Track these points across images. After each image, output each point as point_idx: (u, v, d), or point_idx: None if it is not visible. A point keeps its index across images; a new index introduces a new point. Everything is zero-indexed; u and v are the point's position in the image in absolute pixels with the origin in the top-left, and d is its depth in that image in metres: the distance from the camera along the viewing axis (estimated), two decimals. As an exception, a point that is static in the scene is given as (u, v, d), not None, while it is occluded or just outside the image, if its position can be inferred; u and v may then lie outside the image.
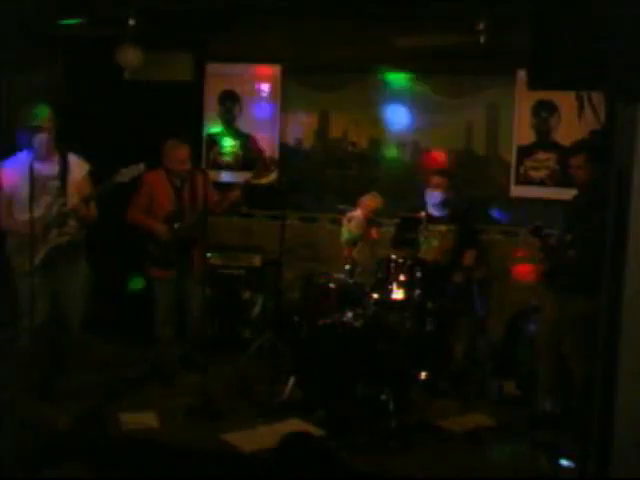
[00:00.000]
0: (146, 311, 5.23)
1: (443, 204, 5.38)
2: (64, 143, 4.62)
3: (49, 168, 4.50)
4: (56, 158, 4.55)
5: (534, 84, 2.52)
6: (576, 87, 2.65)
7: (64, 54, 6.13)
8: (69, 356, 4.77)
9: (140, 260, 5.10)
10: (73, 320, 4.68)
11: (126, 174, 4.41)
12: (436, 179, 5.39)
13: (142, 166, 4.45)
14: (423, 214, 5.17)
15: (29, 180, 4.18)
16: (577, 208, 4.52)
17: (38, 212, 4.33)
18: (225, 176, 6.23)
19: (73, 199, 4.50)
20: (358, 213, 5.28)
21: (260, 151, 6.22)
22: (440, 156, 5.46)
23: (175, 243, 4.93)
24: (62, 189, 4.50)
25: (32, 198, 4.19)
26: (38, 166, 4.33)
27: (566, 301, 4.39)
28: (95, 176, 4.68)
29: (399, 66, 5.92)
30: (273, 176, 5.19)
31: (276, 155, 6.13)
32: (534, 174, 5.79)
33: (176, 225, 4.93)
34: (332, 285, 4.98)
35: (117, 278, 5.94)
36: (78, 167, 4.63)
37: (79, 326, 4.72)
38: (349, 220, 5.29)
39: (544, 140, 5.75)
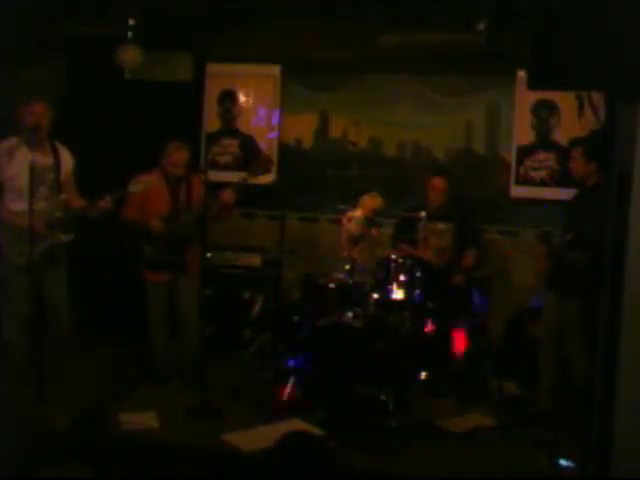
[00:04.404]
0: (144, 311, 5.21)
1: (443, 203, 5.38)
2: (56, 136, 4.49)
3: (44, 158, 4.35)
4: (48, 148, 4.41)
5: (534, 84, 2.52)
6: (576, 87, 2.65)
7: (65, 54, 6.13)
8: (60, 357, 4.66)
9: (133, 264, 4.98)
10: (61, 320, 4.53)
11: (137, 184, 4.37)
12: (435, 179, 5.40)
13: (153, 178, 4.44)
14: (423, 214, 5.17)
15: (29, 171, 4.07)
16: (576, 208, 4.54)
17: (35, 204, 4.16)
18: (225, 176, 6.22)
19: (65, 192, 4.42)
20: (358, 213, 5.28)
21: (259, 151, 6.23)
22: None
23: (169, 243, 4.84)
24: (57, 181, 4.38)
25: (32, 189, 4.08)
26: (33, 156, 4.20)
27: (567, 302, 4.41)
28: (98, 176, 4.63)
29: (399, 66, 5.93)
30: (271, 175, 5.17)
31: (274, 155, 6.14)
32: (534, 174, 5.80)
33: (171, 225, 4.83)
34: (332, 285, 4.98)
35: (116, 278, 5.95)
36: (67, 158, 4.52)
37: (66, 327, 4.59)
38: (349, 220, 5.29)
39: (544, 140, 5.76)
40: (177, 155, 4.88)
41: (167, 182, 4.91)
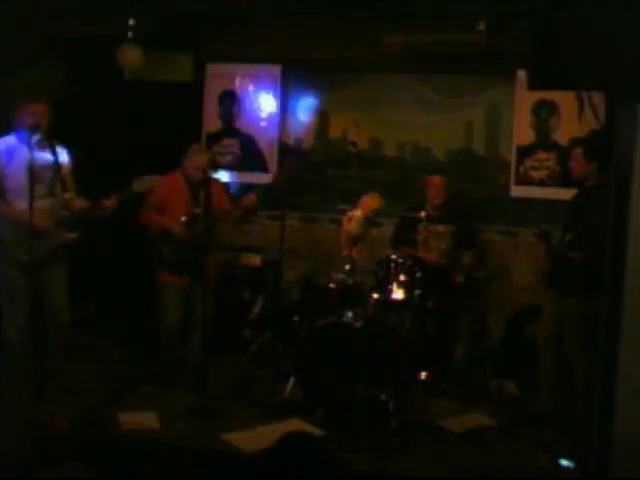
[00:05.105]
0: (146, 312, 5.22)
1: (442, 204, 5.38)
2: (56, 136, 4.45)
3: (42, 157, 4.31)
4: (47, 147, 4.38)
5: (534, 84, 2.53)
6: (576, 87, 2.66)
7: (65, 54, 6.13)
8: (60, 357, 4.60)
9: (147, 264, 4.92)
10: (62, 320, 4.52)
11: (142, 184, 4.34)
12: (433, 177, 5.40)
13: (157, 178, 4.41)
14: (423, 214, 5.17)
15: (28, 168, 4.06)
16: (576, 208, 4.54)
17: (35, 203, 4.08)
18: (224, 176, 6.22)
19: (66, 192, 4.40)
20: (358, 213, 5.27)
21: (261, 152, 6.24)
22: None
23: (190, 246, 4.74)
24: (56, 180, 4.36)
25: (32, 188, 4.05)
26: (32, 155, 4.16)
27: (567, 301, 4.41)
28: (97, 176, 4.62)
29: (399, 66, 5.93)
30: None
31: (274, 155, 6.15)
32: (534, 174, 5.80)
33: (195, 229, 4.71)
34: (332, 285, 4.98)
35: (118, 279, 5.96)
36: (65, 158, 4.50)
37: (67, 327, 4.57)
38: (349, 220, 5.29)
39: (544, 140, 5.76)
40: (199, 158, 4.82)
41: (187, 185, 4.85)
